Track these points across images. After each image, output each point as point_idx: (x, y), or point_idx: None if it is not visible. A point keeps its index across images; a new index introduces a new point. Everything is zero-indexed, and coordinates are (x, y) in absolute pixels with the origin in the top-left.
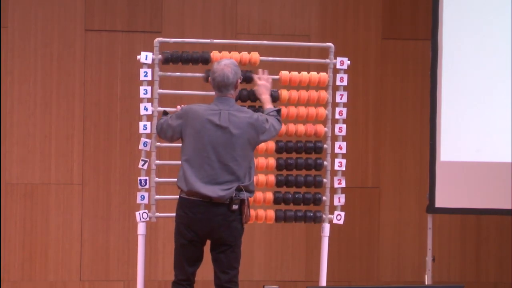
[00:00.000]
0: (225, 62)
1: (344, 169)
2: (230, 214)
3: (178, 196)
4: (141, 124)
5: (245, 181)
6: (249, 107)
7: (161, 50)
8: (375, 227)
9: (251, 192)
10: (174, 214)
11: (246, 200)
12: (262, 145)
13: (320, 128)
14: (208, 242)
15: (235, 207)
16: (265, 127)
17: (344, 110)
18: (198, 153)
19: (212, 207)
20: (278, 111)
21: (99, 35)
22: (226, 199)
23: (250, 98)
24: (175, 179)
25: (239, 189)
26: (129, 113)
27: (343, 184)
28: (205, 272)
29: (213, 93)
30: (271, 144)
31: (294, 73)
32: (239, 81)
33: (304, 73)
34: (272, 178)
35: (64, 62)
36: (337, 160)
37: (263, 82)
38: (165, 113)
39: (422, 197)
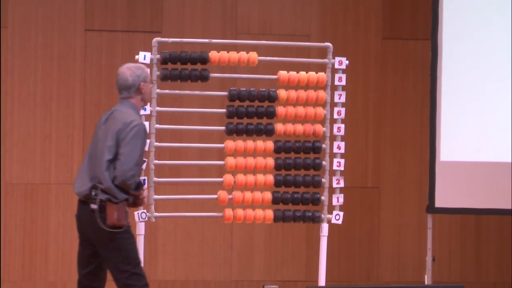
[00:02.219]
0: (130, 65)
1: (342, 169)
2: (92, 214)
3: (178, 196)
4: None
5: (104, 182)
6: (248, 107)
7: (160, 50)
8: (375, 227)
9: (112, 196)
10: (173, 214)
11: (114, 202)
12: (261, 145)
13: (319, 128)
14: None
15: (93, 206)
16: (127, 141)
17: (343, 110)
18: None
19: (81, 204)
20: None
21: (99, 35)
22: (83, 195)
23: (249, 98)
24: (174, 179)
25: (95, 188)
26: None
27: (342, 184)
28: (205, 271)
29: (212, 92)
30: (270, 144)
31: (293, 73)
32: (144, 85)
33: (303, 73)
34: (270, 178)
35: (64, 62)
36: (335, 160)
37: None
38: None
39: (422, 197)
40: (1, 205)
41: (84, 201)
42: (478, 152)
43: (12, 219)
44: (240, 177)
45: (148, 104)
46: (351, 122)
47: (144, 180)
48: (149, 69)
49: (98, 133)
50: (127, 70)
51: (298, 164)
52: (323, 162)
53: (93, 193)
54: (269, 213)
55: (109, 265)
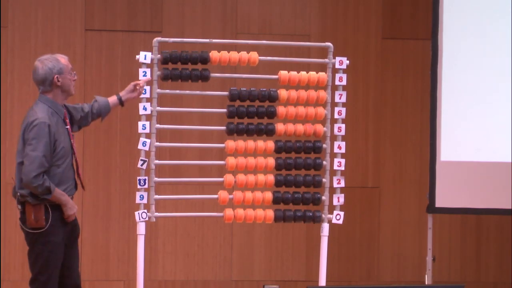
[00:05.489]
0: (44, 57)
1: (343, 168)
2: (20, 214)
3: (178, 196)
4: (140, 124)
5: (16, 186)
6: (249, 107)
7: (160, 50)
8: (375, 227)
9: (21, 195)
10: (174, 214)
11: (32, 204)
12: (261, 145)
13: (319, 128)
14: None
15: (18, 206)
16: (29, 142)
17: (343, 110)
18: None
19: None
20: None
21: (99, 35)
22: (13, 195)
23: (249, 98)
24: (175, 179)
25: (16, 188)
26: (129, 113)
27: (342, 184)
28: (205, 271)
29: (213, 92)
30: (270, 144)
31: (293, 73)
32: (59, 77)
33: (303, 73)
34: (271, 178)
35: None
36: (336, 160)
37: None
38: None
39: (422, 196)
40: (1, 205)
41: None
42: (478, 152)
43: (12, 219)
44: (241, 177)
45: (149, 103)
46: (351, 121)
47: (145, 179)
48: (149, 69)
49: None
50: (39, 64)
51: (299, 164)
52: (324, 162)
53: (17, 194)
54: (270, 213)
55: None
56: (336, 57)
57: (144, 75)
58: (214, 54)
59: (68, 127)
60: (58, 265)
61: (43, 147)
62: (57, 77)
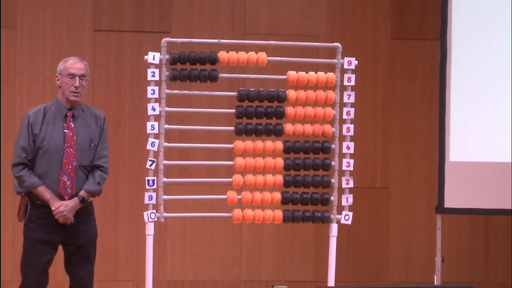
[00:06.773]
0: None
1: (352, 169)
2: None
3: (187, 197)
4: (149, 124)
5: None
6: (257, 107)
7: (168, 50)
8: (384, 227)
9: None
10: (182, 214)
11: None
12: (270, 146)
13: (328, 128)
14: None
15: None
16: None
17: (352, 110)
18: None
19: None
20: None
21: (107, 35)
22: None
23: (258, 98)
24: (183, 179)
25: None
26: (138, 113)
27: (351, 184)
28: (214, 272)
29: (221, 93)
30: (279, 145)
31: (302, 73)
32: (57, 77)
33: (312, 73)
34: (280, 178)
35: None
36: (345, 160)
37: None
38: None
39: (431, 197)
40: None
41: None
42: (487, 152)
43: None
44: (249, 177)
45: (158, 104)
46: (359, 122)
47: (154, 180)
48: (157, 69)
49: None
50: None
51: (307, 165)
52: (332, 163)
53: None
54: (278, 213)
55: None
56: (345, 58)
57: (153, 76)
58: (222, 55)
59: (66, 131)
60: (35, 263)
61: (21, 139)
62: (56, 76)
